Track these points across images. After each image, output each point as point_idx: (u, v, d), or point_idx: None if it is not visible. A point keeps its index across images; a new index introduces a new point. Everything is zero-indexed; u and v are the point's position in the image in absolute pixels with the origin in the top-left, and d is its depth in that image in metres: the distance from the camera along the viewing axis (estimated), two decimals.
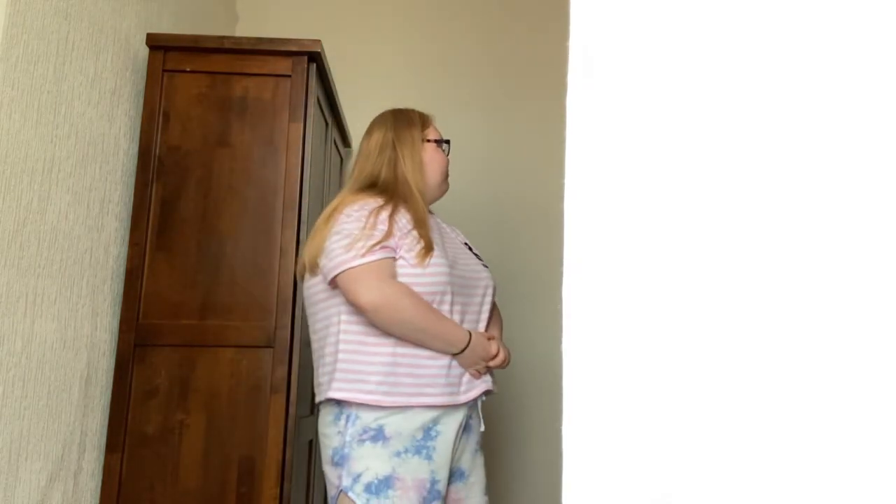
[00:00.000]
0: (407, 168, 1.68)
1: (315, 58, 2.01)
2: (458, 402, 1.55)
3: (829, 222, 0.41)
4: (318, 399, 1.59)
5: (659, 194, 0.45)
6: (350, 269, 1.51)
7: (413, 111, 1.78)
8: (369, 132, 1.75)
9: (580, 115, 0.47)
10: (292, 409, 1.82)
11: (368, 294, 1.48)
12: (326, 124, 2.28)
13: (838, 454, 0.39)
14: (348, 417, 1.51)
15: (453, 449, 1.55)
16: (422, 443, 1.50)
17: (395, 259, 1.55)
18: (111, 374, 1.82)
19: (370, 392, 1.50)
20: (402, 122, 1.73)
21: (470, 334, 1.57)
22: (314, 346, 1.64)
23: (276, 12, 2.83)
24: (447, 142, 1.79)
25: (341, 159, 2.66)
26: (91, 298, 1.73)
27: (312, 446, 2.14)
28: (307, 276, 1.63)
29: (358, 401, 1.50)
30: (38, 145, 1.51)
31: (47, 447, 1.56)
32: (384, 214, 1.58)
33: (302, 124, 1.96)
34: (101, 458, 1.78)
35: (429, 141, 1.74)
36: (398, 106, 1.80)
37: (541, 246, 2.65)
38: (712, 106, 0.45)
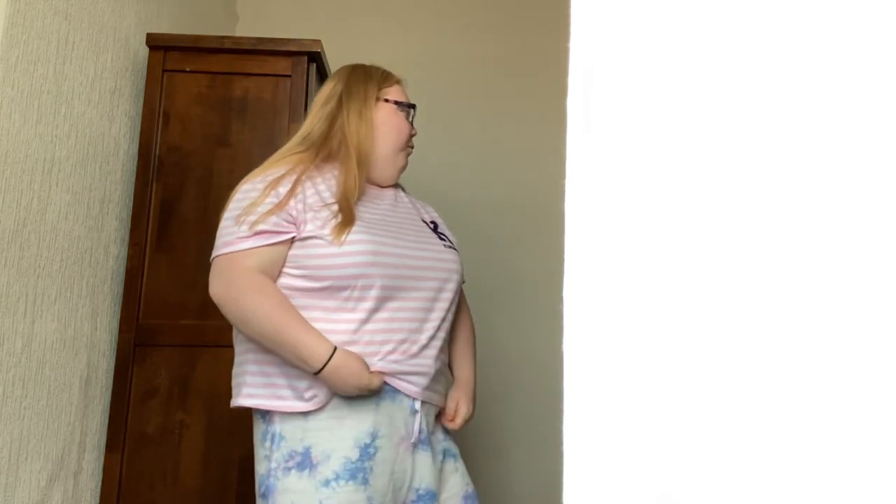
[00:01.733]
0: (350, 126, 1.40)
1: (315, 58, 2.01)
2: (403, 392, 1.31)
3: (829, 224, 0.41)
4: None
5: (660, 194, 0.45)
6: (215, 258, 1.33)
7: (376, 67, 1.51)
8: (324, 85, 1.51)
9: (580, 115, 0.47)
10: None
11: (214, 287, 1.30)
12: None
13: (838, 454, 0.39)
14: (273, 438, 1.29)
15: (394, 466, 1.30)
16: (358, 464, 1.25)
17: (283, 243, 1.31)
18: (111, 374, 1.82)
19: (280, 397, 1.29)
20: (357, 76, 1.47)
21: (333, 352, 1.25)
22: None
23: (276, 12, 2.83)
24: (411, 106, 1.49)
25: None
26: (91, 298, 1.73)
27: None
28: None
29: (268, 408, 1.29)
30: (38, 145, 1.51)
31: (47, 447, 1.56)
32: (284, 186, 1.33)
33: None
34: (101, 458, 1.78)
35: (386, 101, 1.46)
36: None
37: (541, 246, 2.64)
38: (714, 106, 0.45)
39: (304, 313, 1.30)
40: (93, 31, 1.73)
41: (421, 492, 1.34)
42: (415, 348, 1.35)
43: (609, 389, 0.43)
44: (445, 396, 1.44)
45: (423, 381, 1.35)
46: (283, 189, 1.33)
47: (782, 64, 0.44)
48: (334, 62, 2.33)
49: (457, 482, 1.41)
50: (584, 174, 0.46)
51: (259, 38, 2.00)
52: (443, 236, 1.48)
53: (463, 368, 1.52)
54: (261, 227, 1.29)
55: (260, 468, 1.31)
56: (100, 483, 1.77)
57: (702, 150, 0.45)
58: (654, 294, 0.44)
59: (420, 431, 1.34)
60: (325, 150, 1.41)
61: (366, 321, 1.31)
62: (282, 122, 1.95)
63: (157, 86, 1.94)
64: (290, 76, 1.97)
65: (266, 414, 1.32)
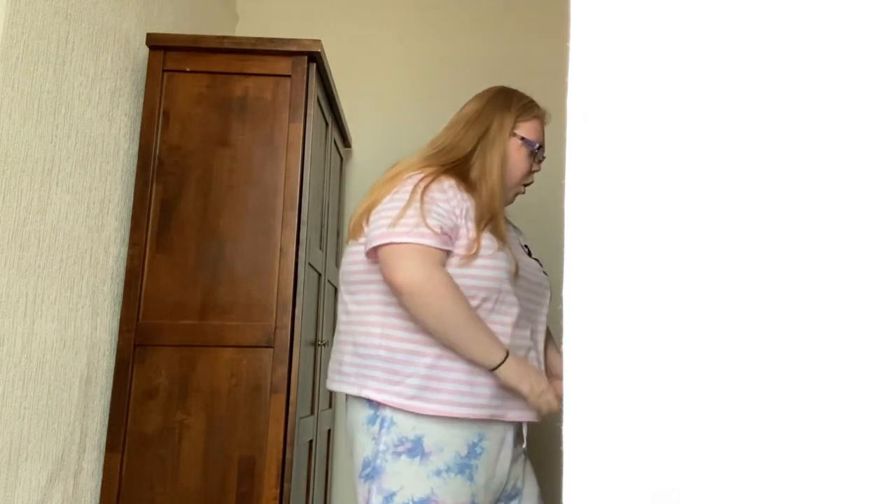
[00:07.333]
0: (487, 154, 1.48)
1: (315, 58, 2.01)
2: (505, 419, 1.37)
3: (828, 224, 0.41)
4: (336, 388, 1.41)
5: (660, 194, 0.45)
6: (397, 243, 1.30)
7: (520, 96, 1.56)
8: (467, 103, 1.55)
9: (580, 115, 0.47)
10: (292, 409, 1.82)
11: (408, 273, 1.27)
12: (326, 124, 2.28)
13: (838, 453, 0.39)
14: (383, 422, 1.32)
15: (495, 469, 1.38)
16: (466, 460, 1.31)
17: (447, 254, 1.35)
18: (111, 374, 1.82)
19: (411, 398, 1.30)
20: (500, 101, 1.52)
21: (507, 353, 1.33)
22: (342, 326, 1.43)
23: (276, 12, 2.83)
24: (540, 147, 1.55)
25: (341, 159, 2.66)
26: (91, 298, 1.73)
27: (312, 446, 2.14)
28: (349, 242, 1.45)
29: (393, 405, 1.31)
30: (38, 145, 1.51)
31: (47, 447, 1.56)
32: (461, 199, 1.38)
33: (302, 124, 1.96)
34: (101, 458, 1.78)
35: (515, 135, 1.51)
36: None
37: (541, 246, 2.64)
38: (714, 105, 0.45)
39: None
40: (93, 31, 1.72)
41: (511, 492, 1.45)
42: (535, 363, 1.46)
43: (609, 390, 0.43)
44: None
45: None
46: (454, 203, 1.38)
47: (781, 64, 0.44)
48: (334, 62, 2.33)
49: (532, 482, 1.52)
50: (584, 174, 0.46)
51: (259, 38, 1.99)
52: (537, 260, 1.59)
53: (553, 359, 1.60)
54: (443, 229, 1.33)
55: (365, 451, 1.34)
56: (100, 483, 1.77)
57: (701, 151, 0.45)
58: (654, 295, 0.44)
59: (523, 438, 1.45)
60: (463, 167, 1.46)
61: (507, 335, 1.39)
62: (282, 122, 1.95)
63: (157, 86, 1.94)
64: (290, 76, 1.97)
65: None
